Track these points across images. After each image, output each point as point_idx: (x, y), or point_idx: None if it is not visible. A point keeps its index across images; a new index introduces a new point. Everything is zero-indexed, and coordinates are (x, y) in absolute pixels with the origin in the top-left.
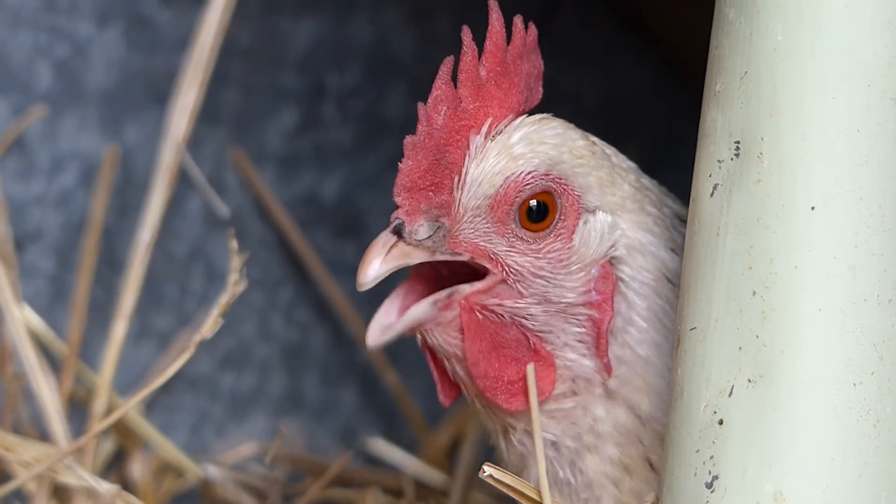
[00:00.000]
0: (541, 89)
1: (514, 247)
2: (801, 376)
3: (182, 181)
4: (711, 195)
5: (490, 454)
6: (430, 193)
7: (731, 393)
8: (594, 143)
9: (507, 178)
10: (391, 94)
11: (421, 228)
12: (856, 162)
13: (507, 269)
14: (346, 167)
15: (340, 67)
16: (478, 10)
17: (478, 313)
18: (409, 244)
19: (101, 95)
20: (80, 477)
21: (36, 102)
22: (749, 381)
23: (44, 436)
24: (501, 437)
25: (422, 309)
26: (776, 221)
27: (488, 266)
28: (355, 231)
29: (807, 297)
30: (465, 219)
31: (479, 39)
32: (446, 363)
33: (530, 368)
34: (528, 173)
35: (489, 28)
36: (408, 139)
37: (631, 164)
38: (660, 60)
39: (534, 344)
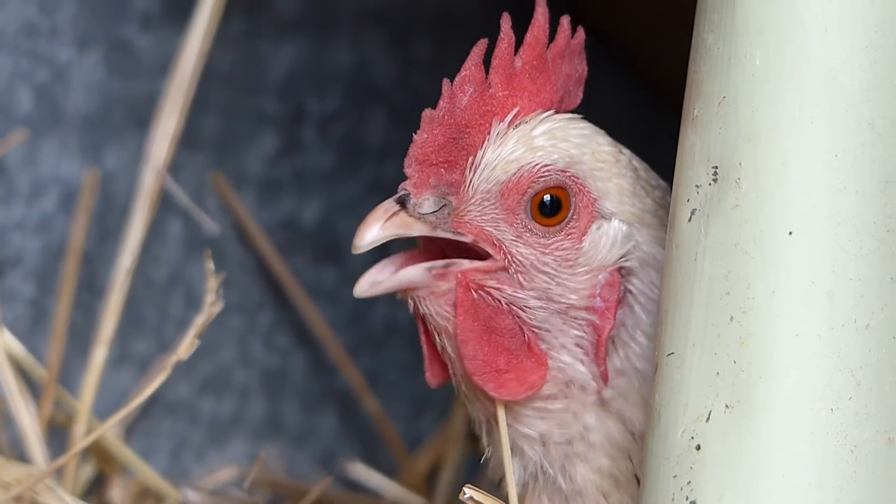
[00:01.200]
0: (580, 94)
1: (520, 237)
2: (778, 402)
3: (162, 206)
4: (689, 220)
5: (468, 479)
6: (442, 170)
7: (708, 418)
8: (621, 151)
9: (522, 166)
10: (371, 119)
11: (426, 202)
12: (834, 187)
13: (510, 257)
14: (326, 192)
15: (320, 92)
16: (458, 36)
17: (474, 292)
18: (412, 216)
19: (81, 120)
20: (61, 498)
21: (16, 127)
22: (727, 406)
23: (23, 461)
24: (485, 431)
25: (415, 272)
26: (754, 246)
27: (491, 252)
28: (335, 256)
29: (784, 323)
30: (473, 200)
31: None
32: (437, 338)
33: (500, 408)
34: (545, 166)
35: (532, 21)
36: (426, 112)
37: (662, 183)
38: (639, 84)
39: (528, 339)
